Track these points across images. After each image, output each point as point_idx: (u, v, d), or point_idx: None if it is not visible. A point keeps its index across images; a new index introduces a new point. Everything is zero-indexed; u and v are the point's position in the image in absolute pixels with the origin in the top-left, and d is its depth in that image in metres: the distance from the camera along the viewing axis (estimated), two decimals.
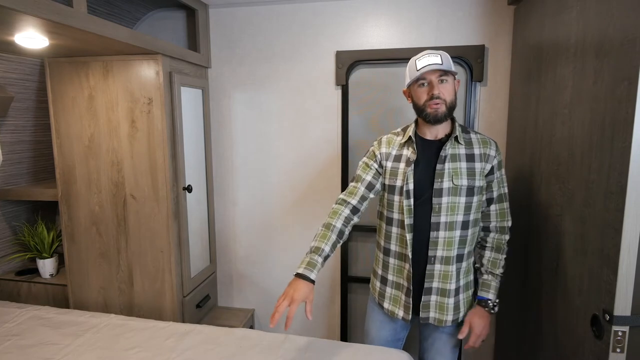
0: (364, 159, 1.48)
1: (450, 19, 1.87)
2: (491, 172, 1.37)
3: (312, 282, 1.28)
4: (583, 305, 1.19)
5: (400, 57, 1.90)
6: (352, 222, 1.43)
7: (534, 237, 1.54)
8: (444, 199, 1.33)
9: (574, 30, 1.26)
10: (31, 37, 1.44)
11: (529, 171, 1.60)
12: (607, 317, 1.05)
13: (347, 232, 1.42)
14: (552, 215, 1.40)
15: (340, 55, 1.97)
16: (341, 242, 1.40)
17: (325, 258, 1.34)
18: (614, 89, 1.05)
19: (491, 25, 1.84)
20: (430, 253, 1.36)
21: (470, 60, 1.84)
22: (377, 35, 1.95)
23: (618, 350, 1.04)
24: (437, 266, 1.36)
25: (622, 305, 1.03)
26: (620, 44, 1.02)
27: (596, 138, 1.13)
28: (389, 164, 1.42)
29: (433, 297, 1.39)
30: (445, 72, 1.29)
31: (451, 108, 1.33)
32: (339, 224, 1.39)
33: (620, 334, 1.04)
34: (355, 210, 1.43)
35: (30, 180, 2.20)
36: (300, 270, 1.29)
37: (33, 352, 1.50)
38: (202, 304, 2.10)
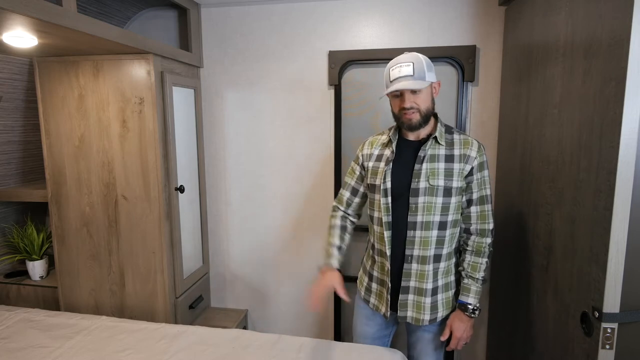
0: (352, 162, 1.57)
1: (441, 19, 1.88)
2: (470, 173, 1.36)
3: (336, 269, 1.45)
4: (573, 303, 1.20)
5: (392, 57, 1.88)
6: (349, 220, 1.59)
7: (524, 236, 1.56)
8: (420, 199, 1.34)
9: (562, 31, 1.28)
10: (20, 36, 1.42)
11: (520, 170, 1.62)
12: (597, 315, 1.07)
13: (349, 226, 1.58)
14: (542, 214, 1.42)
15: (332, 55, 1.97)
16: (347, 234, 1.56)
17: (339, 249, 1.51)
18: (602, 89, 1.06)
19: (482, 25, 1.85)
20: (407, 252, 1.37)
21: (462, 60, 1.85)
22: (369, 36, 1.96)
23: (607, 346, 1.05)
24: (414, 265, 1.37)
25: (611, 303, 1.04)
26: (608, 44, 1.04)
27: (585, 138, 1.15)
28: (371, 164, 1.46)
29: (410, 296, 1.40)
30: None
31: (427, 115, 1.33)
32: (338, 222, 1.56)
33: (609, 330, 1.05)
34: (346, 214, 1.59)
35: (19, 181, 2.17)
36: (322, 263, 1.47)
37: (22, 355, 1.48)
38: (194, 305, 2.09)
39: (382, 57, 1.92)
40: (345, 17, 1.97)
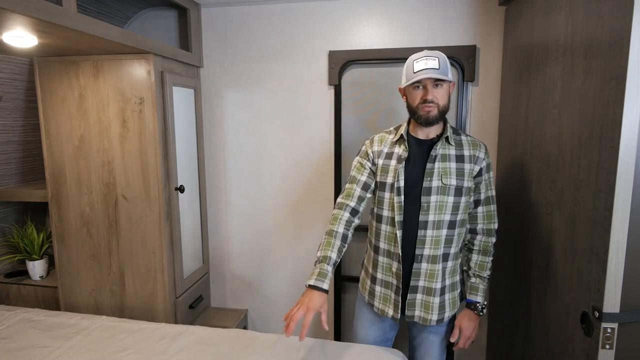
0: (357, 158, 1.50)
1: (441, 19, 1.88)
2: (479, 174, 1.39)
3: (326, 292, 1.28)
4: (573, 303, 1.20)
5: (392, 57, 1.90)
6: (353, 224, 1.44)
7: (524, 236, 1.56)
8: (433, 198, 1.34)
9: (563, 31, 1.28)
10: (20, 36, 1.42)
11: (520, 170, 1.62)
12: (597, 314, 1.07)
13: (350, 235, 1.43)
14: (542, 214, 1.42)
15: (332, 55, 1.97)
16: (346, 245, 1.41)
17: (334, 265, 1.34)
18: (602, 89, 1.06)
19: (482, 25, 1.85)
20: (418, 251, 1.37)
21: (462, 60, 1.85)
22: (369, 35, 1.96)
23: (607, 346, 1.05)
24: (424, 265, 1.37)
25: (611, 303, 1.04)
26: (608, 44, 1.04)
27: (585, 137, 1.15)
28: (381, 161, 1.44)
29: (419, 296, 1.40)
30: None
31: (443, 112, 1.34)
32: (340, 229, 1.39)
33: (609, 330, 1.05)
34: (354, 212, 1.44)
35: (19, 181, 2.17)
36: (312, 282, 1.29)
37: (22, 355, 1.48)
38: (194, 305, 2.09)
39: (382, 57, 1.92)
40: (345, 17, 1.97)
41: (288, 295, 2.25)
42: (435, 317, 1.41)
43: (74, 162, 1.89)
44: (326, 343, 1.54)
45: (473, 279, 1.44)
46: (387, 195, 1.40)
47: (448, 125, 1.39)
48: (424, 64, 1.29)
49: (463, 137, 1.41)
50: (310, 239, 2.18)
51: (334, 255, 1.34)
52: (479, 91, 1.90)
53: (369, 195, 1.47)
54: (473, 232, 1.45)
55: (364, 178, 1.45)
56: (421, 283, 1.39)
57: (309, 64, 2.04)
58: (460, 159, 1.36)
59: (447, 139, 1.37)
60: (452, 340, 1.45)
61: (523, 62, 1.59)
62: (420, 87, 1.32)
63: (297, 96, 2.08)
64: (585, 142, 1.15)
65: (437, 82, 1.30)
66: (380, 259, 1.45)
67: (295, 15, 2.01)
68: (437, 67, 1.28)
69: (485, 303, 1.43)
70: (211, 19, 2.10)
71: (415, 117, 1.36)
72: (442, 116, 1.34)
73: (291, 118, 2.10)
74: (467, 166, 1.36)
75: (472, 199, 1.41)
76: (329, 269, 1.32)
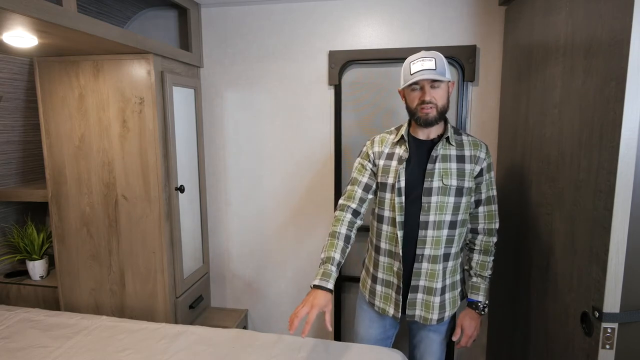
0: (359, 159, 1.51)
1: (441, 19, 1.88)
2: (480, 174, 1.39)
3: (330, 291, 1.31)
4: (573, 303, 1.20)
5: (392, 57, 1.90)
6: (355, 225, 1.46)
7: (524, 236, 1.56)
8: (433, 198, 1.34)
9: (563, 31, 1.28)
10: (20, 36, 1.42)
11: (520, 170, 1.62)
12: (597, 314, 1.07)
13: (353, 236, 1.45)
14: (542, 214, 1.42)
15: (332, 55, 1.97)
16: (349, 246, 1.43)
17: (338, 265, 1.37)
18: (602, 89, 1.06)
19: (482, 25, 1.85)
20: (418, 251, 1.38)
21: (462, 60, 1.85)
22: (369, 35, 1.96)
23: (607, 346, 1.05)
24: (425, 264, 1.38)
25: (611, 303, 1.04)
26: (608, 44, 1.04)
27: (585, 137, 1.15)
28: (381, 162, 1.44)
29: (419, 295, 1.41)
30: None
31: (442, 112, 1.34)
32: (343, 230, 1.42)
33: (609, 330, 1.05)
34: (356, 213, 1.46)
35: (19, 181, 2.17)
36: (316, 282, 1.31)
37: (22, 355, 1.48)
38: (195, 305, 2.09)
39: (382, 57, 1.92)
40: (345, 17, 1.97)
41: (288, 295, 2.25)
42: (435, 317, 1.41)
43: (74, 162, 1.89)
44: (326, 343, 1.55)
45: (474, 279, 1.45)
46: (388, 195, 1.41)
47: (449, 125, 1.39)
48: (420, 65, 1.29)
49: (464, 137, 1.41)
50: (310, 238, 2.18)
51: (337, 256, 1.37)
52: (479, 91, 1.90)
53: (370, 196, 1.48)
54: (474, 231, 1.46)
55: (365, 179, 1.46)
56: (422, 283, 1.39)
57: (309, 64, 2.04)
58: (460, 159, 1.37)
59: (447, 139, 1.37)
60: (454, 339, 1.46)
61: (523, 62, 1.59)
62: (418, 88, 1.33)
63: (297, 96, 2.08)
64: (585, 142, 1.15)
65: (434, 82, 1.31)
66: (382, 258, 1.46)
67: (295, 15, 2.01)
68: (434, 68, 1.28)
69: (487, 302, 1.44)
70: (211, 19, 2.10)
71: (415, 118, 1.36)
72: (441, 116, 1.34)
73: (291, 118, 2.10)
74: (467, 166, 1.36)
75: (473, 198, 1.42)
76: (333, 269, 1.34)
